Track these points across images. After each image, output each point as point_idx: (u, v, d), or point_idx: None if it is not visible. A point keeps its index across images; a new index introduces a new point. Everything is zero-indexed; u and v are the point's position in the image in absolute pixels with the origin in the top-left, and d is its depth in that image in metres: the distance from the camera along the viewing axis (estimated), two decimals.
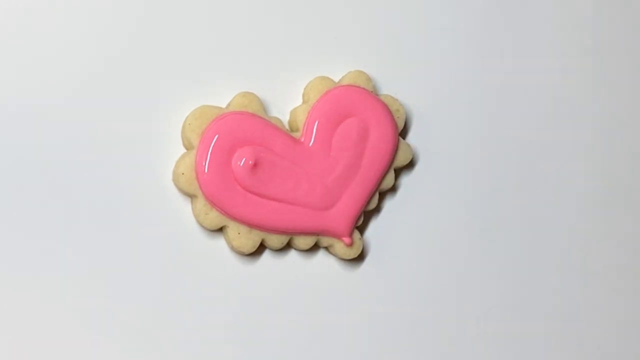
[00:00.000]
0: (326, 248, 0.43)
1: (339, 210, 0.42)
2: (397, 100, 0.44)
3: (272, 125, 0.41)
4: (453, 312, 0.45)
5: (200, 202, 0.40)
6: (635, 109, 0.49)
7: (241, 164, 0.40)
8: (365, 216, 0.44)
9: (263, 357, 0.43)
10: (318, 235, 0.42)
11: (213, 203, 0.40)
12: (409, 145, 0.44)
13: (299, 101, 0.43)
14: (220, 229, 0.41)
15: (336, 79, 0.43)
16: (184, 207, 0.41)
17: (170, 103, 0.41)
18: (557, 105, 0.48)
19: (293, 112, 0.42)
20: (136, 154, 0.41)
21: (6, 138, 0.39)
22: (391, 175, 0.44)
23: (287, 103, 0.43)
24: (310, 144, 0.42)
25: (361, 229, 0.44)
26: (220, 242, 0.42)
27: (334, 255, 0.43)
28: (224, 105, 0.41)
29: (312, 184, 0.42)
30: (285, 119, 0.43)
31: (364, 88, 0.43)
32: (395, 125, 0.43)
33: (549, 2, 0.48)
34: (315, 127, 0.42)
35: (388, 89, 0.44)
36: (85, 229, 0.40)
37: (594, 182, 0.48)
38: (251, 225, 0.41)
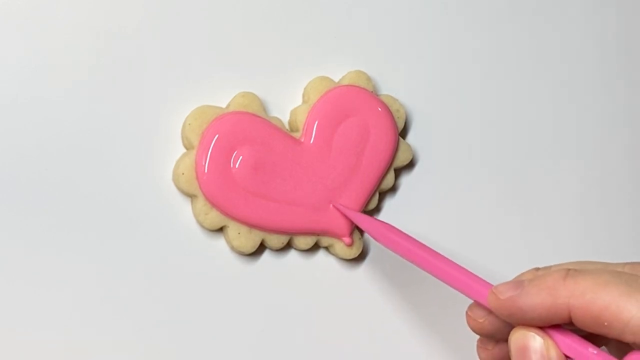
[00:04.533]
0: (326, 248, 0.43)
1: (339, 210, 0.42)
2: (397, 100, 0.44)
3: (272, 126, 0.41)
4: (453, 311, 0.45)
5: (200, 202, 0.40)
6: (636, 109, 0.49)
7: (241, 164, 0.40)
8: None
9: (263, 356, 0.43)
10: (318, 235, 0.42)
11: (213, 203, 0.40)
12: (409, 145, 0.44)
13: (299, 101, 0.43)
14: (220, 229, 0.41)
15: (336, 79, 0.43)
16: (184, 207, 0.41)
17: (170, 103, 0.41)
18: (557, 105, 0.48)
19: (293, 112, 0.42)
20: (136, 154, 0.41)
21: (6, 138, 0.39)
22: (391, 175, 0.44)
23: (287, 103, 0.43)
24: (310, 144, 0.42)
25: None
26: (220, 242, 0.42)
27: (334, 255, 0.43)
28: (224, 105, 0.41)
29: (312, 184, 0.42)
30: (285, 119, 0.43)
31: (364, 88, 0.43)
32: (395, 125, 0.43)
33: (549, 3, 0.48)
34: (315, 127, 0.42)
35: (388, 89, 0.44)
36: (85, 229, 0.40)
37: (594, 182, 0.48)
38: (251, 225, 0.41)
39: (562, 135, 0.48)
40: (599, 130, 0.48)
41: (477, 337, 0.37)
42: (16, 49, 0.39)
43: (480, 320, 0.34)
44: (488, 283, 0.34)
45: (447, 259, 0.36)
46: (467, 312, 0.35)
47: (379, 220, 0.39)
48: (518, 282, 0.32)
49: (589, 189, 0.48)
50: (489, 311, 0.34)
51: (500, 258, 0.46)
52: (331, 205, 0.42)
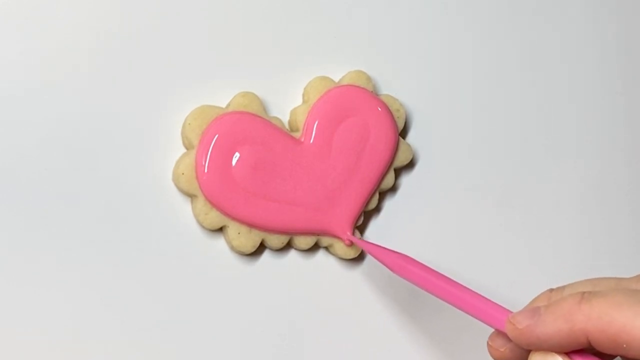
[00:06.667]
0: (326, 248, 0.43)
1: (339, 210, 0.42)
2: (397, 100, 0.44)
3: (272, 125, 0.41)
4: (453, 312, 0.45)
5: (200, 202, 0.40)
6: (636, 109, 0.49)
7: (241, 164, 0.40)
8: (365, 216, 0.44)
9: (263, 356, 0.42)
10: (318, 235, 0.42)
11: (213, 203, 0.40)
12: (409, 145, 0.44)
13: (299, 101, 0.43)
14: (220, 229, 0.41)
15: (336, 79, 0.43)
16: (184, 207, 0.41)
17: (170, 103, 0.41)
18: (557, 105, 0.48)
19: (293, 112, 0.42)
20: (136, 153, 0.41)
21: (6, 138, 0.39)
22: (391, 175, 0.44)
23: (287, 103, 0.43)
24: (310, 144, 0.42)
25: (361, 229, 0.44)
26: (220, 242, 0.42)
27: (334, 255, 0.43)
28: (224, 105, 0.41)
29: (312, 184, 0.42)
30: (285, 119, 0.42)
31: (364, 88, 0.43)
32: (395, 125, 0.43)
33: (549, 3, 0.48)
34: (315, 127, 0.42)
35: (388, 89, 0.44)
36: (85, 229, 0.40)
37: (594, 182, 0.48)
38: (251, 225, 0.41)
39: (562, 135, 0.48)
40: (599, 130, 0.48)
41: (476, 336, 0.37)
42: (16, 49, 0.39)
43: (502, 350, 0.35)
44: (507, 310, 0.34)
45: (463, 287, 0.36)
46: (488, 342, 0.35)
47: (394, 252, 0.39)
48: (534, 310, 0.32)
49: (589, 189, 0.48)
50: (509, 339, 0.34)
51: (500, 258, 0.46)
52: (347, 238, 0.42)
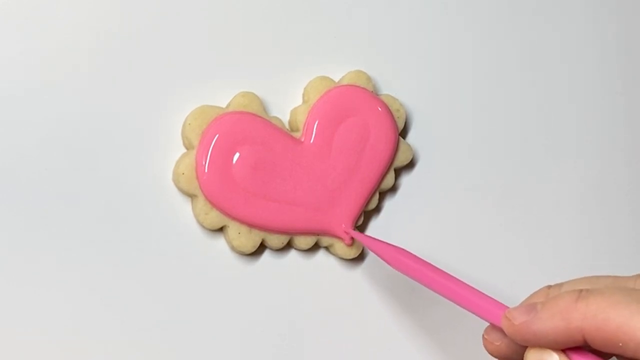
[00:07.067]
0: (326, 248, 0.43)
1: (339, 210, 0.42)
2: (397, 100, 0.44)
3: (272, 125, 0.41)
4: (453, 312, 0.45)
5: (200, 202, 0.40)
6: (636, 109, 0.49)
7: (241, 164, 0.40)
8: (365, 216, 0.44)
9: (263, 356, 0.42)
10: (318, 235, 0.42)
11: (213, 203, 0.40)
12: (409, 145, 0.44)
13: (299, 101, 0.43)
14: (220, 229, 0.41)
15: (336, 79, 0.43)
16: (184, 207, 0.41)
17: (170, 103, 0.41)
18: (557, 105, 0.48)
19: (293, 112, 0.42)
20: (136, 154, 0.41)
21: (6, 138, 0.39)
22: (391, 175, 0.44)
23: (287, 103, 0.43)
24: (311, 144, 0.42)
25: (361, 229, 0.44)
26: (220, 242, 0.42)
27: (334, 255, 0.43)
28: (224, 105, 0.41)
29: (312, 184, 0.42)
30: (285, 119, 0.42)
31: (364, 88, 0.43)
32: (395, 125, 0.43)
33: (549, 3, 0.48)
34: (315, 127, 0.42)
35: (388, 89, 0.44)
36: (85, 229, 0.40)
37: (594, 182, 0.48)
38: (251, 225, 0.41)
39: (562, 135, 0.48)
40: (599, 130, 0.48)
41: (476, 336, 0.37)
42: (16, 49, 0.39)
43: (497, 343, 0.34)
44: (503, 305, 0.34)
45: (460, 281, 0.36)
46: (483, 336, 0.35)
47: (392, 245, 0.39)
48: (531, 306, 0.32)
49: (589, 189, 0.48)
50: (505, 334, 0.34)
51: (500, 258, 0.46)
52: (343, 231, 0.42)
